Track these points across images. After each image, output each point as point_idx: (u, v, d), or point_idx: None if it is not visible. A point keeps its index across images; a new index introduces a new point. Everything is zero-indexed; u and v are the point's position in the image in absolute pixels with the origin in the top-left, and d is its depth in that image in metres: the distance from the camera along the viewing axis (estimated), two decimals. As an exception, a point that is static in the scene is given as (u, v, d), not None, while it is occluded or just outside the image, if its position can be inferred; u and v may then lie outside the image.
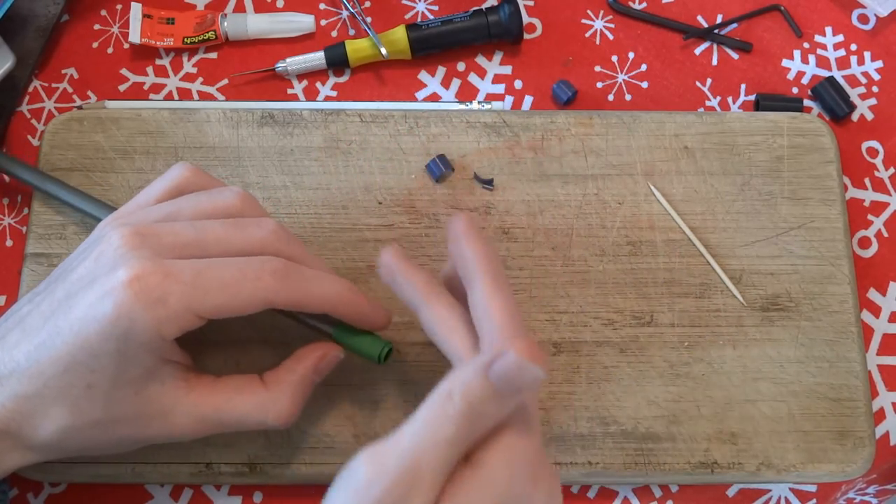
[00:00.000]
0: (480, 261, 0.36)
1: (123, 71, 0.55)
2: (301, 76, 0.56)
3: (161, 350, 0.37)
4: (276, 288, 0.37)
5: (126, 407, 0.37)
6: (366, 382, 0.46)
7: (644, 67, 0.56)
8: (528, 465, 0.33)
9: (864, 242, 0.53)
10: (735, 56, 0.57)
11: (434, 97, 0.55)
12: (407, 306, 0.39)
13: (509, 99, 0.55)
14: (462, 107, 0.53)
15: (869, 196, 0.53)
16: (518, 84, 0.55)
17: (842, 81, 0.55)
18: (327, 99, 0.55)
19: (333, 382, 0.46)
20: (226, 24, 0.55)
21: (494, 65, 0.56)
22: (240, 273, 0.37)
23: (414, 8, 0.57)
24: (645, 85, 0.56)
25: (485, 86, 0.55)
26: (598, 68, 0.56)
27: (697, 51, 0.57)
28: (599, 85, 0.56)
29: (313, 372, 0.41)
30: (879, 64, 0.56)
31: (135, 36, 0.54)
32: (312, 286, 0.39)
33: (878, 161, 0.54)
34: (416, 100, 0.55)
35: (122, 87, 0.55)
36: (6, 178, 0.53)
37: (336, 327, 0.42)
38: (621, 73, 0.56)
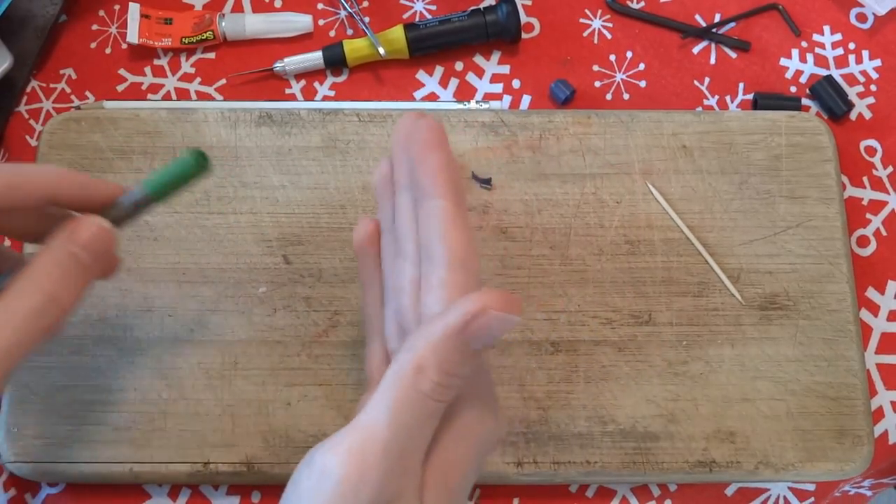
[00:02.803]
0: (445, 179, 0.33)
1: (121, 71, 0.55)
2: (299, 76, 0.56)
3: None
4: None
5: None
6: (364, 382, 0.46)
7: (642, 66, 0.56)
8: (483, 444, 0.31)
9: (863, 241, 0.53)
10: (733, 55, 0.57)
11: (432, 97, 0.55)
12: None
13: (507, 98, 0.55)
14: (460, 106, 0.53)
15: (867, 195, 0.53)
16: (516, 83, 0.55)
17: (840, 80, 0.55)
18: (325, 99, 0.55)
19: (332, 382, 0.46)
20: (224, 24, 0.55)
21: (492, 64, 0.56)
22: None
23: (412, 7, 0.57)
24: (643, 84, 0.56)
25: (483, 85, 0.55)
26: (596, 67, 0.56)
27: (695, 50, 0.57)
28: (597, 84, 0.56)
29: (70, 243, 0.34)
30: (878, 63, 0.56)
31: (133, 36, 0.54)
32: (21, 168, 0.34)
33: (877, 160, 0.54)
34: (414, 99, 0.55)
35: (120, 88, 0.55)
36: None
37: (142, 184, 0.36)
38: (619, 72, 0.56)
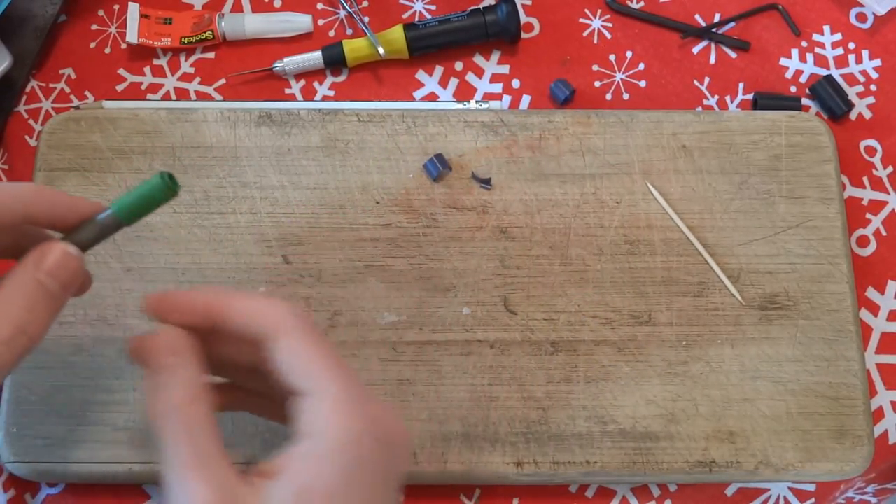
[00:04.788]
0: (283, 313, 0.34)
1: (121, 71, 0.55)
2: (298, 76, 0.56)
3: None
4: None
5: None
6: (363, 382, 0.46)
7: (642, 66, 0.56)
8: (367, 468, 0.33)
9: (863, 241, 0.53)
10: (733, 55, 0.57)
11: (432, 97, 0.55)
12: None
13: (507, 98, 0.55)
14: (460, 106, 0.53)
15: (867, 195, 0.53)
16: (516, 83, 0.55)
17: (840, 80, 0.55)
18: (325, 98, 0.55)
19: (331, 382, 0.46)
20: (223, 23, 0.55)
21: (492, 64, 0.56)
22: None
23: (411, 7, 0.57)
24: (643, 84, 0.56)
25: (482, 85, 0.55)
26: (595, 67, 0.56)
27: (695, 50, 0.57)
28: (597, 84, 0.56)
29: (37, 270, 0.34)
30: (877, 62, 0.56)
31: (132, 36, 0.54)
32: None
33: (877, 160, 0.54)
34: (413, 99, 0.55)
35: (119, 87, 0.55)
36: (4, 177, 0.53)
37: (110, 206, 0.35)
38: (619, 72, 0.56)
